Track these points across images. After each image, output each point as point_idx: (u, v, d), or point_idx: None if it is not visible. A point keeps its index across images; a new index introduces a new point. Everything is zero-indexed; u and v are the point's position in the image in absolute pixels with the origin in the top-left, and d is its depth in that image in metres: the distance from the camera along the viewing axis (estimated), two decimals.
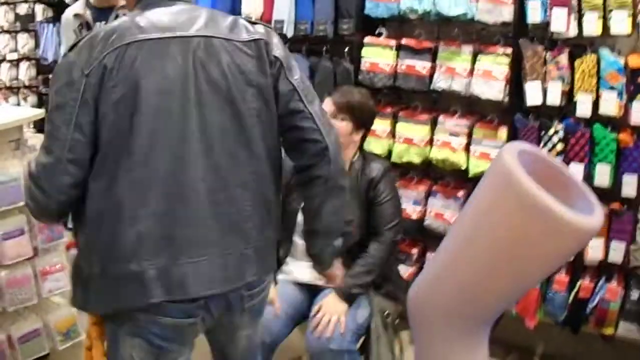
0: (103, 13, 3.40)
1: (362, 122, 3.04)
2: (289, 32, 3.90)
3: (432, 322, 2.14)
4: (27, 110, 3.44)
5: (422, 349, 2.26)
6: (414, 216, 3.66)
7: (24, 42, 5.61)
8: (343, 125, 2.95)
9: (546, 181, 1.80)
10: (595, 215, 1.82)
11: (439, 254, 2.20)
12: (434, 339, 2.17)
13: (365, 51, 3.70)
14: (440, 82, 3.53)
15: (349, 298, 2.92)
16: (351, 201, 2.96)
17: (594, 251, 3.30)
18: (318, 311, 2.89)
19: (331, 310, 2.87)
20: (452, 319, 2.08)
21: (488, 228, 1.92)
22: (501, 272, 1.94)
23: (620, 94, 3.16)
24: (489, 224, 1.92)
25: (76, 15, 3.43)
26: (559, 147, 3.33)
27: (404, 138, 3.65)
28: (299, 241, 2.90)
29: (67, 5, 4.88)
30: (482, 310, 2.09)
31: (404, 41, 3.64)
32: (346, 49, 3.82)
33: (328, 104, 2.99)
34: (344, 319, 2.86)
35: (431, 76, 3.58)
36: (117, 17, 3.30)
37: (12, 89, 5.65)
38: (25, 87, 5.66)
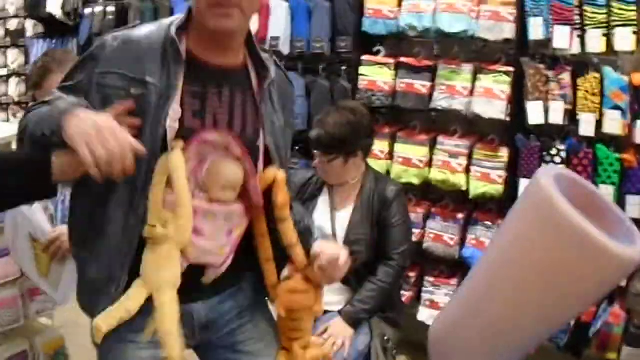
0: None
1: (354, 148, 2.90)
2: (285, 49, 3.86)
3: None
4: (15, 128, 3.35)
5: None
6: (413, 239, 3.55)
7: (14, 57, 5.55)
8: (336, 162, 2.88)
9: (584, 208, 1.70)
10: (637, 245, 1.72)
11: (465, 288, 2.10)
12: None
13: (363, 69, 3.65)
14: (441, 101, 3.47)
15: (356, 323, 2.82)
16: (363, 220, 2.90)
17: None
18: (324, 332, 2.79)
19: (338, 334, 2.78)
20: (478, 356, 1.97)
21: (521, 257, 1.82)
22: (532, 305, 1.83)
23: (624, 113, 3.11)
24: (522, 253, 1.82)
25: None
26: (562, 167, 3.27)
27: (403, 159, 3.58)
28: None
29: (57, 21, 4.87)
30: (506, 349, 1.98)
31: (402, 59, 3.59)
32: (343, 67, 3.78)
33: (314, 144, 2.89)
34: (349, 344, 2.77)
35: (431, 95, 3.52)
36: None
37: (1, 105, 5.58)
38: (15, 103, 5.58)
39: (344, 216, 2.95)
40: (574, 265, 1.70)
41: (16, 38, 5.55)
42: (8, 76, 5.59)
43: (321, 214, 2.92)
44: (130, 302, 1.72)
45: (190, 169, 1.72)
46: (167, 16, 4.16)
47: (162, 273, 1.73)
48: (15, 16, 5.49)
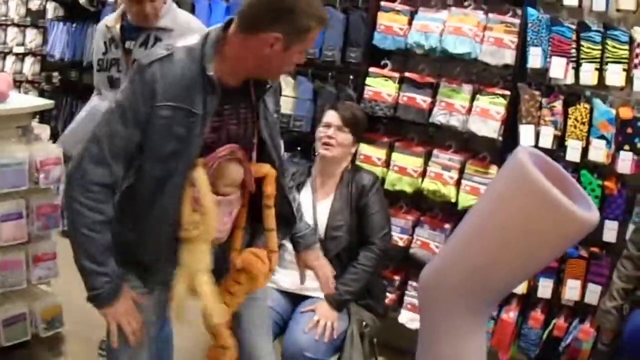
0: (134, 32, 3.18)
1: (360, 136, 3.26)
2: None
3: (443, 301, 2.33)
4: (36, 99, 3.53)
5: (427, 329, 2.46)
6: (400, 243, 3.75)
7: (32, 37, 5.67)
8: (347, 137, 3.15)
9: (552, 179, 2.03)
10: (594, 213, 2.07)
11: (453, 239, 2.43)
12: (441, 318, 2.35)
13: (369, 80, 3.83)
14: (439, 117, 3.66)
15: (340, 306, 3.01)
16: (343, 207, 3.14)
17: (571, 292, 3.44)
18: (311, 312, 2.98)
19: (325, 315, 2.96)
20: (463, 297, 2.27)
21: (501, 216, 2.16)
22: (510, 256, 2.17)
23: (609, 143, 3.33)
24: (502, 212, 2.15)
25: (107, 27, 3.25)
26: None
27: (398, 167, 3.76)
28: (288, 246, 2.87)
29: (79, 6, 4.96)
30: (489, 291, 2.30)
31: (407, 74, 3.78)
32: (351, 77, 3.98)
33: (333, 116, 3.17)
34: (336, 325, 2.96)
35: (430, 110, 3.71)
36: (147, 38, 3.14)
37: (15, 82, 5.64)
38: (28, 81, 5.71)
39: (325, 205, 3.19)
40: (542, 222, 2.05)
41: (36, 18, 5.67)
42: (25, 54, 5.72)
43: (304, 205, 2.98)
44: (179, 286, 2.17)
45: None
46: (188, 11, 4.38)
47: (198, 264, 2.17)
48: None
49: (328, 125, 3.17)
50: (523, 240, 2.11)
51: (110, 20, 3.26)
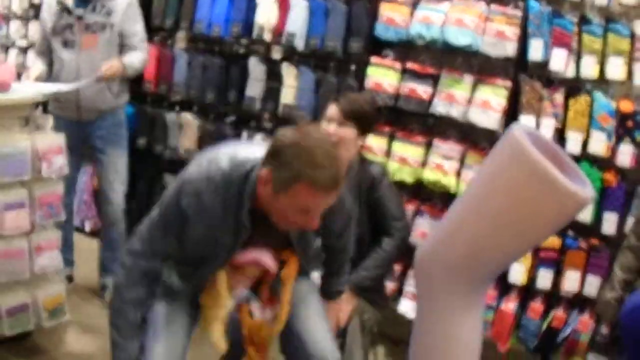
0: (82, 1, 3.77)
1: (366, 128, 3.14)
2: (300, 44, 4.06)
3: (438, 277, 2.37)
4: (39, 88, 3.53)
5: (424, 305, 2.50)
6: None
7: (35, 29, 5.57)
8: (350, 131, 3.07)
9: (548, 157, 2.06)
10: (588, 189, 2.11)
11: (447, 216, 2.45)
12: (438, 294, 2.39)
13: (370, 70, 3.85)
14: (440, 107, 3.68)
15: (360, 291, 3.01)
16: (351, 200, 3.05)
17: (571, 283, 3.45)
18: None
19: (344, 307, 2.95)
20: (458, 273, 2.31)
21: (497, 191, 2.19)
22: (506, 231, 2.21)
23: (609, 136, 3.34)
24: (498, 188, 2.19)
25: (58, 1, 3.81)
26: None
27: (399, 157, 3.79)
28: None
29: None
30: (485, 266, 2.33)
31: (408, 65, 3.80)
32: (353, 67, 3.98)
33: (333, 110, 3.08)
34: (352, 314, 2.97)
35: (431, 101, 3.73)
36: (95, 6, 3.76)
37: (18, 75, 5.64)
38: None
39: None
40: (536, 198, 2.08)
41: (39, 11, 5.61)
42: (27, 47, 5.68)
43: None
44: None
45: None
46: (189, 4, 4.41)
47: (213, 318, 2.43)
48: None
49: (330, 120, 3.09)
50: (517, 216, 2.14)
51: None
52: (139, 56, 3.89)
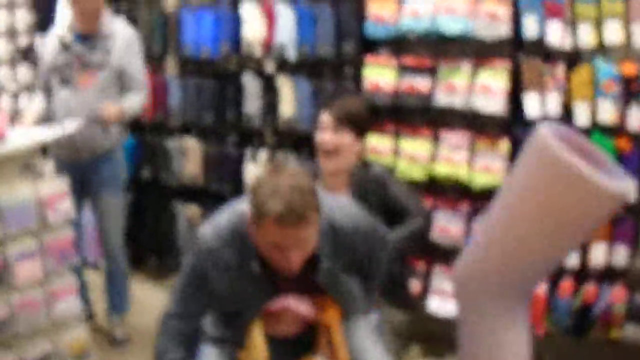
0: (82, 38, 3.78)
1: (362, 131, 3.09)
2: (291, 55, 4.00)
3: (480, 294, 2.31)
4: (38, 134, 3.48)
5: (465, 321, 2.43)
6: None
7: (24, 72, 5.62)
8: (346, 136, 3.01)
9: (578, 152, 2.01)
10: (626, 182, 2.03)
11: (483, 228, 2.40)
12: (481, 310, 2.33)
13: (367, 71, 3.79)
14: (442, 99, 3.62)
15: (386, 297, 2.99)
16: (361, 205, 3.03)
17: (598, 256, 3.36)
18: None
19: None
20: (500, 287, 2.26)
21: (531, 198, 2.13)
22: (544, 238, 2.14)
23: (616, 102, 3.26)
24: (531, 195, 2.13)
25: (58, 37, 3.82)
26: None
27: (407, 155, 3.73)
28: None
29: None
30: (527, 277, 2.28)
31: (404, 60, 3.74)
32: (347, 70, 3.92)
33: (326, 118, 3.03)
34: None
35: (431, 93, 3.66)
36: (94, 43, 3.75)
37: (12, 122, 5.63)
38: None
39: None
40: (574, 200, 2.01)
41: (26, 54, 5.61)
42: (18, 92, 5.64)
43: None
44: None
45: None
46: (175, 29, 4.37)
47: None
48: (26, 32, 5.55)
49: (323, 129, 3.03)
50: (555, 221, 2.07)
51: (61, 30, 3.83)
52: (139, 99, 3.84)
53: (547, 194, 2.04)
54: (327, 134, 3.00)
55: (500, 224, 2.23)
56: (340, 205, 2.44)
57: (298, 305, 2.42)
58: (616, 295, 3.37)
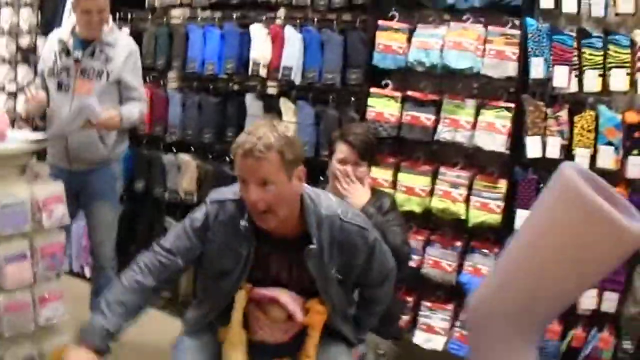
0: (82, 44, 3.76)
1: (374, 160, 3.16)
2: (297, 79, 4.02)
3: (493, 328, 2.29)
4: (33, 136, 3.45)
5: (478, 356, 2.41)
6: (412, 264, 3.67)
7: (24, 74, 5.60)
8: (365, 170, 3.07)
9: (601, 196, 2.03)
10: None
11: (499, 263, 2.40)
12: (494, 344, 2.30)
13: (371, 101, 3.81)
14: (445, 134, 3.65)
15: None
16: None
17: (588, 301, 3.38)
18: None
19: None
20: (515, 321, 2.23)
21: (553, 234, 2.14)
22: (562, 275, 2.15)
23: (617, 149, 3.31)
24: (553, 231, 2.14)
25: (60, 41, 3.80)
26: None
27: (406, 187, 3.74)
28: None
29: None
30: (543, 312, 2.27)
31: (409, 93, 3.77)
32: (352, 99, 3.95)
33: (347, 152, 3.04)
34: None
35: (435, 127, 3.69)
36: (94, 49, 3.73)
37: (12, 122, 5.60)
38: (22, 119, 5.57)
39: None
40: (594, 239, 2.04)
41: (27, 55, 5.60)
42: (17, 92, 5.63)
43: None
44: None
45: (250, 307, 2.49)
46: (181, 44, 4.39)
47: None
48: (28, 32, 5.54)
49: (344, 162, 3.04)
50: (575, 258, 2.09)
51: (63, 34, 3.83)
52: (138, 110, 3.79)
53: (569, 231, 2.07)
54: (348, 168, 3.03)
55: (519, 260, 2.24)
56: (353, 211, 2.52)
57: (286, 299, 2.44)
58: (604, 341, 3.39)
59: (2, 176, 3.17)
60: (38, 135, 3.39)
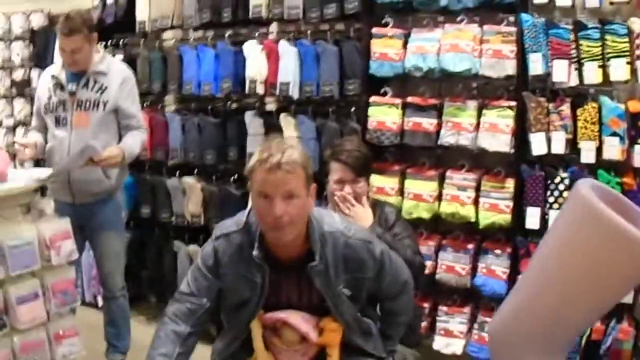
0: (75, 77, 3.74)
1: (370, 172, 3.14)
2: (295, 93, 3.99)
3: (515, 352, 2.27)
4: (35, 173, 3.43)
5: None
6: (425, 271, 3.64)
7: (20, 107, 5.63)
8: (363, 185, 3.03)
9: (618, 211, 2.01)
10: None
11: (519, 286, 2.39)
12: None
13: (371, 110, 3.79)
14: (448, 138, 3.62)
15: None
16: None
17: None
18: None
19: None
20: (534, 345, 2.22)
21: (572, 255, 2.13)
22: (583, 296, 2.15)
23: (622, 139, 3.28)
24: (572, 252, 2.13)
25: (52, 76, 3.81)
26: (566, 194, 3.40)
27: (413, 194, 3.71)
28: None
29: None
30: (565, 333, 2.25)
31: (409, 99, 3.74)
32: (352, 109, 3.92)
33: (343, 171, 3.01)
34: None
35: (438, 132, 3.66)
36: (87, 80, 3.71)
37: (9, 155, 5.56)
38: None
39: None
40: (615, 256, 2.01)
41: (22, 88, 5.63)
42: (15, 126, 5.66)
43: None
44: None
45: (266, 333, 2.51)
46: (175, 66, 4.36)
47: None
48: (21, 66, 5.58)
49: (341, 182, 3.01)
50: (595, 278, 2.08)
51: (55, 69, 3.84)
52: (140, 141, 3.76)
53: (588, 250, 2.06)
54: (346, 188, 3.00)
55: (538, 282, 2.24)
56: (356, 227, 2.53)
57: (297, 320, 2.44)
58: (624, 332, 3.35)
59: (6, 217, 3.15)
60: (41, 173, 3.36)
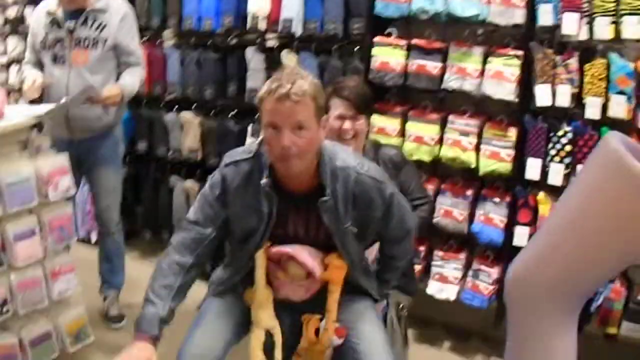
0: (73, 14, 3.62)
1: (371, 111, 3.11)
2: (298, 30, 3.91)
3: (534, 300, 2.28)
4: (32, 110, 3.37)
5: (517, 325, 2.41)
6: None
7: (14, 45, 5.49)
8: (364, 122, 2.99)
9: None
10: None
11: (542, 233, 2.38)
12: (533, 317, 2.31)
13: (375, 50, 3.72)
14: (452, 82, 3.57)
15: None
16: None
17: None
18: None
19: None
20: (556, 293, 2.24)
21: (596, 206, 2.13)
22: (607, 247, 2.15)
23: (629, 98, 3.23)
24: (597, 203, 2.13)
25: (49, 13, 3.68)
26: (568, 148, 3.40)
27: (414, 137, 3.69)
28: None
29: None
30: (584, 284, 2.28)
31: (414, 41, 3.67)
32: (356, 48, 3.84)
33: (343, 106, 2.96)
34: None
35: (442, 76, 3.61)
36: (86, 18, 3.60)
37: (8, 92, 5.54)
38: (16, 90, 5.47)
39: None
40: (637, 208, 2.03)
41: (16, 25, 5.48)
42: (8, 64, 5.54)
43: None
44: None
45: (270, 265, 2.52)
46: (177, 2, 4.22)
47: (256, 319, 2.55)
48: (15, 3, 5.41)
49: (341, 117, 2.97)
50: (618, 231, 2.08)
51: (51, 6, 3.68)
52: (138, 79, 3.70)
53: (614, 203, 2.06)
54: (346, 123, 2.95)
55: (561, 231, 2.23)
56: (370, 164, 2.51)
57: (304, 255, 2.44)
58: (615, 292, 3.39)
59: (4, 154, 3.12)
60: (40, 110, 3.31)
